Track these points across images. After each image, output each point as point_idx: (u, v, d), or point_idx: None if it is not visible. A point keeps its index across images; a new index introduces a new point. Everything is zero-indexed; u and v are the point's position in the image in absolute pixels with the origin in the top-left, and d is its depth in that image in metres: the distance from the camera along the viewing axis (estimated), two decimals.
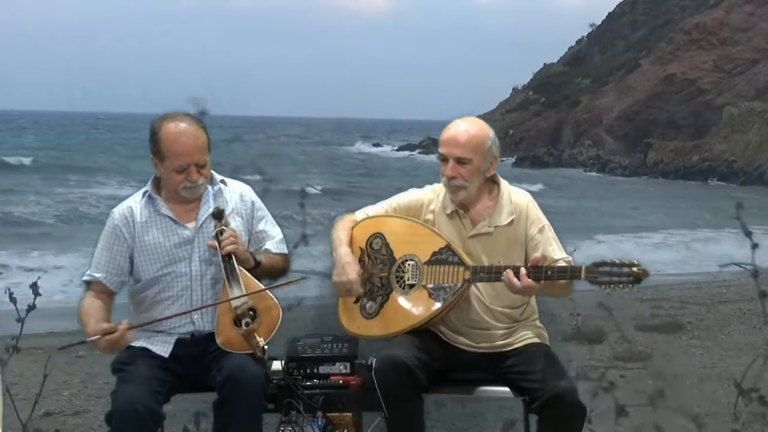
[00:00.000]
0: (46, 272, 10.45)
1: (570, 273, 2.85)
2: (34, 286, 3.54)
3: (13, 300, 3.55)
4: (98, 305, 2.99)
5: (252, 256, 3.06)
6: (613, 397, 3.72)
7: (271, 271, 3.12)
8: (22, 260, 12.18)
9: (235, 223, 3.09)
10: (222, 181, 3.18)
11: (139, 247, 3.06)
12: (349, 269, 3.06)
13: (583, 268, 2.80)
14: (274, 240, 3.21)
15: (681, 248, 16.34)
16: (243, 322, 2.90)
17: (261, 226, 3.20)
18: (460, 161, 3.02)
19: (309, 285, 3.72)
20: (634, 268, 2.74)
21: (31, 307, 3.54)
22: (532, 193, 3.19)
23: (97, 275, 3.05)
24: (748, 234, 3.61)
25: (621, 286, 2.74)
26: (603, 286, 2.76)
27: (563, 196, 25.40)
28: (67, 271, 10.35)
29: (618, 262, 2.76)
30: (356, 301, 3.12)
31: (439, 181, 3.16)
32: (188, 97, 3.58)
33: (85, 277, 3.09)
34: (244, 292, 2.92)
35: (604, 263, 2.77)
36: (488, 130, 3.09)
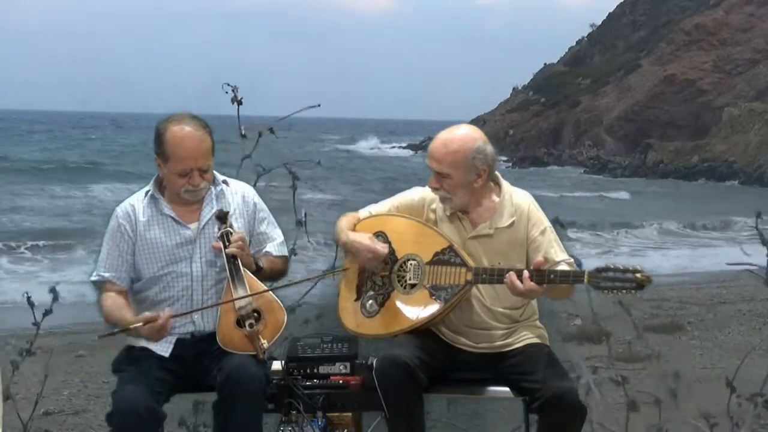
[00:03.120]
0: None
1: (573, 277, 2.84)
2: (54, 291, 3.55)
3: (30, 304, 3.57)
4: (122, 301, 3.02)
5: (254, 260, 3.06)
6: (625, 394, 3.71)
7: (272, 274, 3.13)
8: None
9: (237, 224, 3.09)
10: (224, 182, 3.18)
11: (140, 245, 3.06)
12: (360, 241, 3.08)
13: (586, 272, 2.79)
14: (275, 242, 3.21)
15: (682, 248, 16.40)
16: (247, 324, 2.90)
17: (262, 228, 3.20)
18: (440, 175, 3.02)
19: (308, 285, 3.73)
20: (638, 275, 2.73)
21: (48, 311, 3.56)
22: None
23: (106, 275, 3.05)
24: (766, 243, 3.60)
25: (624, 291, 2.74)
26: (606, 292, 2.76)
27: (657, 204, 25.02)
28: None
29: (622, 267, 2.75)
30: (358, 299, 3.13)
31: None
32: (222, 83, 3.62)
33: (94, 278, 3.08)
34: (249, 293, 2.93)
35: (607, 269, 2.76)
36: (473, 141, 3.00)
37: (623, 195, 29.02)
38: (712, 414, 4.37)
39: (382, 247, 3.08)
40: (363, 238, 3.09)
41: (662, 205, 24.78)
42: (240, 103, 3.69)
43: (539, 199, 3.19)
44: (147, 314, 2.88)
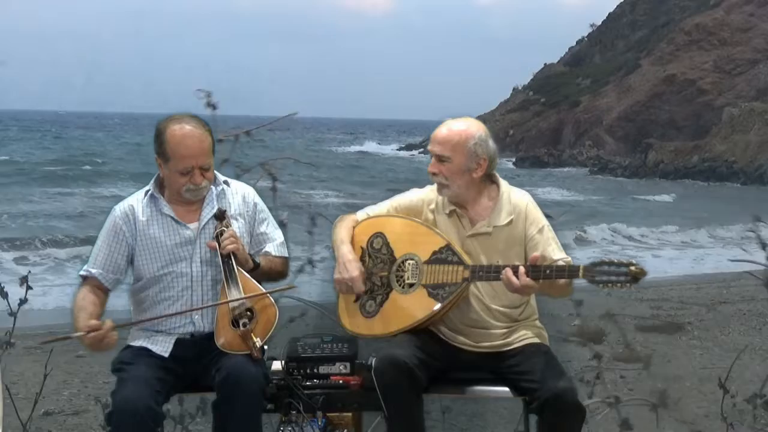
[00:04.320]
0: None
1: (568, 272, 2.84)
2: (25, 279, 3.52)
3: (4, 294, 3.54)
4: (92, 299, 3.00)
5: (251, 258, 3.06)
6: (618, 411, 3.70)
7: (270, 274, 3.12)
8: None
9: (237, 224, 3.09)
10: (225, 182, 3.18)
11: (140, 244, 3.06)
12: (351, 267, 3.08)
13: (581, 267, 2.80)
14: (275, 243, 3.21)
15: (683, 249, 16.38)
16: (240, 323, 2.90)
17: (262, 228, 3.20)
18: (440, 158, 3.05)
19: (310, 285, 3.72)
20: (632, 268, 2.73)
21: (23, 301, 3.53)
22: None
23: (93, 271, 3.06)
24: (765, 247, 3.61)
25: (619, 285, 2.74)
26: (601, 286, 2.76)
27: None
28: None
29: (616, 261, 2.76)
30: (356, 300, 3.13)
31: None
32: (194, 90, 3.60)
33: (82, 272, 3.09)
34: (243, 293, 2.93)
35: (602, 263, 2.77)
36: (476, 131, 3.06)
37: (666, 198, 28.45)
38: (712, 413, 4.38)
39: (359, 287, 3.07)
40: (354, 268, 3.08)
41: (705, 207, 24.28)
42: (214, 107, 3.65)
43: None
44: (92, 322, 2.84)
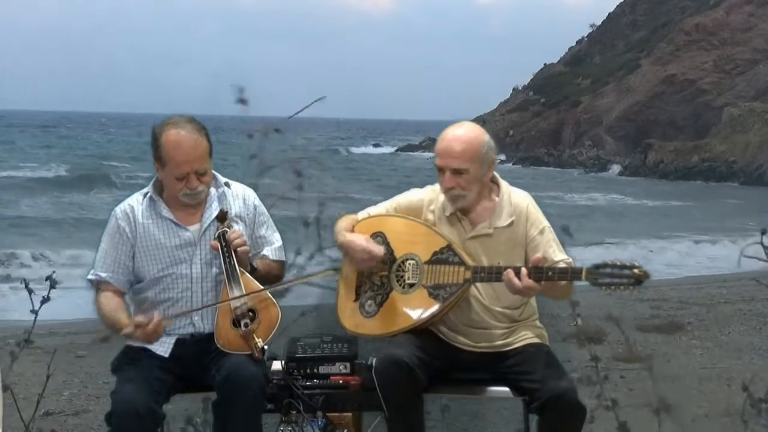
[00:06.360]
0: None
1: (571, 274, 2.84)
2: (51, 279, 3.50)
3: (29, 290, 3.52)
4: (118, 301, 3.02)
5: (248, 261, 3.06)
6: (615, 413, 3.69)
7: (267, 278, 3.11)
8: None
9: (237, 226, 3.08)
10: (226, 184, 3.18)
11: (140, 246, 3.06)
12: (356, 242, 3.07)
13: (584, 269, 2.79)
14: (273, 246, 3.21)
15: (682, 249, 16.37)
16: (242, 323, 2.90)
17: (261, 232, 3.20)
18: (457, 172, 3.00)
19: (308, 287, 3.72)
20: (635, 270, 2.73)
21: (45, 299, 3.52)
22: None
23: (103, 275, 3.05)
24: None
25: (622, 287, 2.74)
26: (604, 288, 2.76)
27: None
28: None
29: (619, 263, 2.75)
30: (356, 300, 3.12)
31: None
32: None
33: (90, 276, 3.08)
34: (244, 293, 2.93)
35: (605, 265, 2.76)
36: (483, 134, 3.05)
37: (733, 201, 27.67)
38: (712, 413, 4.37)
39: (377, 249, 3.06)
40: (359, 239, 3.09)
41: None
42: (245, 103, 3.74)
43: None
44: (138, 318, 2.88)
